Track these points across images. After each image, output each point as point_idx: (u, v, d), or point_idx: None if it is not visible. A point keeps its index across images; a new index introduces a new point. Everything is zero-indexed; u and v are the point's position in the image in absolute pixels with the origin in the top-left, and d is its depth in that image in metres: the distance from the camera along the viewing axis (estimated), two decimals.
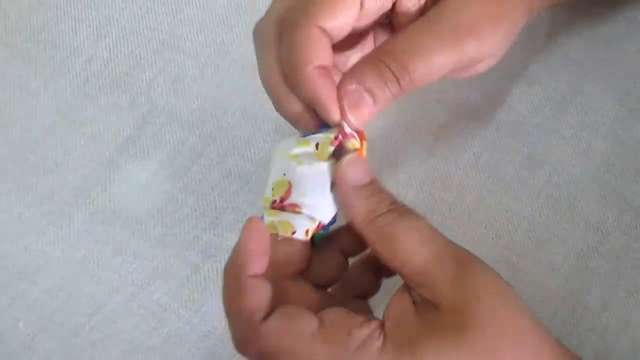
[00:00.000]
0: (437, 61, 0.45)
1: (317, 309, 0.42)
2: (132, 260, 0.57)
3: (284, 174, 0.45)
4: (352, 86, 0.45)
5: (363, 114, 0.45)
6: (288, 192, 0.45)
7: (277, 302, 0.42)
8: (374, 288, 0.48)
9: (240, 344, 0.42)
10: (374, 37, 0.52)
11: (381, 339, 0.41)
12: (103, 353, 0.55)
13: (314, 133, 0.45)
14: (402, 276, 0.43)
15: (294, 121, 0.47)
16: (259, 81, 0.61)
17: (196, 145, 0.61)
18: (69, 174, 0.61)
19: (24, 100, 0.64)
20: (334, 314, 0.42)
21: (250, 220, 0.42)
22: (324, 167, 0.44)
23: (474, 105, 0.59)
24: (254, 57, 0.62)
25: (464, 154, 0.58)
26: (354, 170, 0.44)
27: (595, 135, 0.58)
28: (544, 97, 0.60)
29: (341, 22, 0.46)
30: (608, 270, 0.54)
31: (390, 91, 0.45)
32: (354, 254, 0.47)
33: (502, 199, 0.57)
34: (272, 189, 0.45)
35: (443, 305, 0.41)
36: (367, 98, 0.45)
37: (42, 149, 0.62)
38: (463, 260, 0.42)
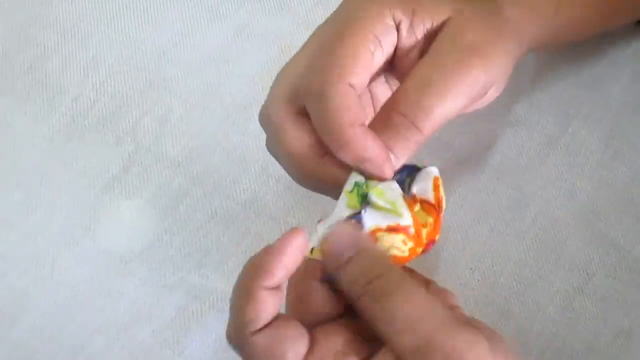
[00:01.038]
0: (451, 94, 0.45)
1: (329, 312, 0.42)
2: (115, 300, 0.57)
3: None
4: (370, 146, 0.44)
5: (387, 170, 0.45)
6: None
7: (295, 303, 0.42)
8: None
9: (230, 340, 0.41)
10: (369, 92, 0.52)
11: None
12: None
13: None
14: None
15: (329, 187, 0.46)
16: (246, 122, 0.62)
17: (182, 185, 0.61)
18: (53, 213, 0.61)
19: (9, 138, 0.64)
20: (330, 340, 0.41)
21: (293, 232, 0.41)
22: None
23: (459, 147, 0.60)
24: (241, 98, 0.63)
25: (449, 196, 0.58)
26: (332, 246, 0.42)
27: (580, 176, 0.58)
28: (529, 138, 0.60)
29: (363, 77, 0.46)
30: (593, 312, 0.54)
31: (411, 139, 0.45)
32: None
33: (488, 241, 0.57)
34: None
35: None
36: (387, 155, 0.45)
37: (26, 187, 0.62)
38: (453, 353, 0.38)
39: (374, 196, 0.44)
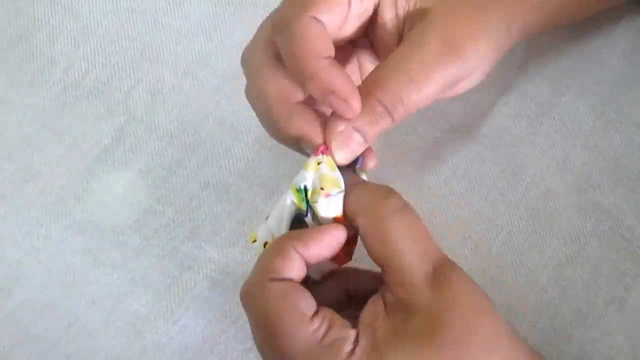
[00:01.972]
0: (427, 87, 0.46)
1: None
2: (109, 271, 0.57)
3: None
4: (341, 127, 0.45)
5: (352, 151, 0.46)
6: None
7: None
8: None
9: (243, 296, 0.44)
10: (358, 62, 0.52)
11: (352, 344, 0.41)
12: None
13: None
14: (384, 271, 0.43)
15: (298, 140, 0.47)
16: (237, 91, 0.61)
17: (174, 155, 0.60)
18: (46, 184, 0.60)
19: (1, 110, 0.63)
20: (328, 311, 0.43)
21: (339, 229, 0.45)
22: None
23: (452, 117, 0.60)
24: (233, 67, 0.63)
25: (442, 165, 0.58)
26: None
27: (573, 145, 0.58)
28: (523, 108, 0.60)
29: (334, 17, 0.46)
30: (586, 280, 0.54)
31: (381, 125, 0.46)
32: (358, 295, 0.47)
33: (481, 210, 0.57)
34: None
35: (415, 307, 0.41)
36: (357, 137, 0.46)
37: (19, 159, 0.61)
38: (443, 266, 0.43)
39: (317, 207, 0.45)
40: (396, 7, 0.49)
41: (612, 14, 0.61)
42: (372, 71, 0.47)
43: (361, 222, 0.44)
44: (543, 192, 0.57)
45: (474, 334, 0.41)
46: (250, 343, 0.54)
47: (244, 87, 0.49)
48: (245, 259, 0.57)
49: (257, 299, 0.43)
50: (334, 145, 0.45)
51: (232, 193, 0.59)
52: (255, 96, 0.48)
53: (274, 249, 0.44)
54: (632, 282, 0.54)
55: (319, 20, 0.45)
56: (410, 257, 0.42)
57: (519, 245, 0.55)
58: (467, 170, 0.58)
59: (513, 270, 0.55)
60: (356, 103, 0.44)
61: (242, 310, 0.54)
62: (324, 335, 0.42)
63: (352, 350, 0.41)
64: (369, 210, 0.44)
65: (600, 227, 0.56)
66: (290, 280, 0.43)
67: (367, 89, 0.46)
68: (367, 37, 0.51)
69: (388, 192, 0.45)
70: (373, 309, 0.43)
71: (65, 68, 0.64)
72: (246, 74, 0.49)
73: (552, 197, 0.57)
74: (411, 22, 0.48)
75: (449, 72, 0.46)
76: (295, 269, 0.43)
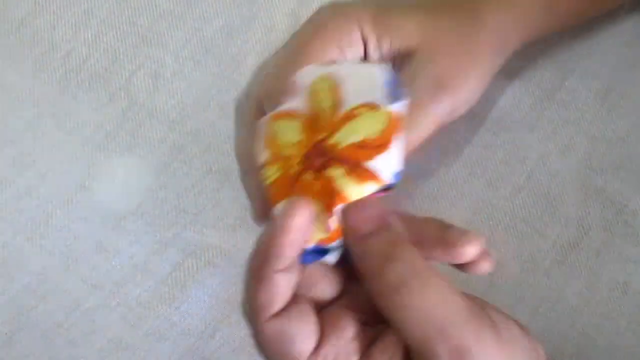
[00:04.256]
0: (422, 128, 0.47)
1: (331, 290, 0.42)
2: (111, 257, 0.57)
3: None
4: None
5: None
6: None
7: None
8: None
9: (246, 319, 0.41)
10: None
11: None
12: (81, 351, 0.55)
13: None
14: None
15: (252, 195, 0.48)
16: (239, 76, 0.61)
17: (176, 141, 0.60)
18: (47, 170, 0.60)
19: (1, 96, 0.63)
20: (338, 334, 0.40)
21: (294, 205, 0.39)
22: None
23: None
24: (234, 52, 0.63)
25: (445, 150, 0.58)
26: (357, 214, 0.40)
27: (576, 130, 0.58)
28: (526, 92, 0.59)
29: None
30: (589, 266, 0.54)
31: None
32: None
33: (484, 195, 0.57)
34: None
35: None
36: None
37: (20, 144, 0.61)
38: (461, 351, 0.38)
39: None
40: (380, 49, 0.49)
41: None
42: None
43: (372, 281, 0.39)
44: (546, 177, 0.57)
45: None
46: None
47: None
48: (248, 245, 0.56)
49: (256, 339, 0.40)
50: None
51: (234, 179, 0.59)
52: (237, 144, 0.50)
53: (254, 280, 0.40)
54: (636, 267, 0.54)
55: None
56: (420, 341, 0.37)
57: (522, 230, 0.55)
58: (470, 155, 0.58)
59: (516, 255, 0.55)
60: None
61: None
62: None
63: None
64: (379, 269, 0.39)
65: (603, 212, 0.55)
66: (282, 313, 0.39)
67: None
68: None
69: (403, 251, 0.39)
70: (384, 348, 0.40)
71: (66, 53, 0.64)
72: (234, 120, 0.51)
73: (555, 182, 0.57)
74: (400, 62, 0.49)
75: (442, 110, 0.47)
76: (283, 290, 0.39)
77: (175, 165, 0.60)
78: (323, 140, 0.42)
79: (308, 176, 0.42)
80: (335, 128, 0.42)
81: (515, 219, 0.56)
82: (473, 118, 0.59)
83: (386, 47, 0.49)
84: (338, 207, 0.41)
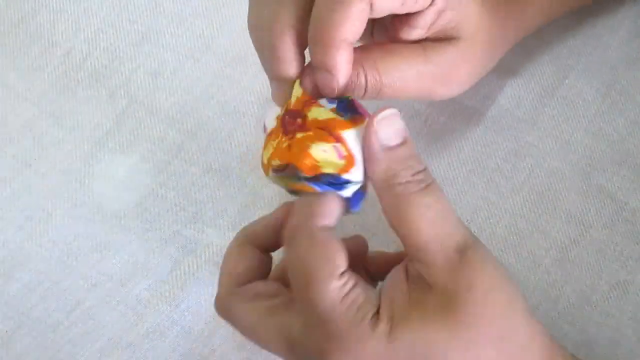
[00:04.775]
0: (404, 68, 0.46)
1: None
2: (111, 255, 0.57)
3: None
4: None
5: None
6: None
7: None
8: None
9: (289, 237, 0.43)
10: None
11: (374, 309, 0.41)
12: (81, 349, 0.55)
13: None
14: (405, 246, 0.43)
15: (286, 84, 0.45)
16: (239, 75, 0.61)
17: (176, 139, 0.60)
18: (47, 168, 0.60)
19: (1, 94, 0.63)
20: (354, 274, 0.42)
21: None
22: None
23: (455, 99, 0.59)
24: (234, 50, 0.63)
25: (445, 148, 0.58)
26: (388, 128, 0.43)
27: (577, 128, 0.58)
28: (526, 89, 0.59)
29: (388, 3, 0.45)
30: (590, 263, 0.54)
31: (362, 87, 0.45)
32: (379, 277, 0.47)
33: (484, 193, 0.57)
34: None
35: (434, 286, 0.41)
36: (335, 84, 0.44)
37: (20, 143, 0.61)
38: (466, 248, 0.42)
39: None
40: None
41: None
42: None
43: (380, 194, 0.43)
44: (547, 175, 0.57)
45: (488, 320, 0.41)
46: None
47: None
48: None
49: (298, 246, 0.42)
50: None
51: (234, 177, 0.59)
52: (272, 21, 0.45)
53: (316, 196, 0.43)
54: (636, 265, 0.54)
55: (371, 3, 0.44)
56: (430, 239, 0.41)
57: (523, 228, 0.55)
58: (471, 153, 0.58)
59: (516, 253, 0.55)
60: (342, 80, 0.44)
61: None
62: (347, 294, 0.41)
63: (369, 316, 0.41)
64: (388, 184, 0.42)
65: (604, 209, 0.55)
66: (332, 229, 0.43)
67: (357, 54, 0.45)
68: None
69: (410, 160, 0.43)
70: (394, 278, 0.43)
71: (66, 51, 0.64)
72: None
73: (556, 180, 0.56)
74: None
75: (432, 90, 0.49)
76: (335, 216, 0.43)
77: (175, 163, 0.59)
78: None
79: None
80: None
81: (515, 216, 0.56)
82: (473, 115, 0.59)
83: None
84: (347, 132, 0.42)
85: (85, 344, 0.55)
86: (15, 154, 0.61)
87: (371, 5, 0.43)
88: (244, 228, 0.47)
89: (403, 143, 0.43)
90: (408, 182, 0.42)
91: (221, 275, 0.46)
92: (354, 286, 0.41)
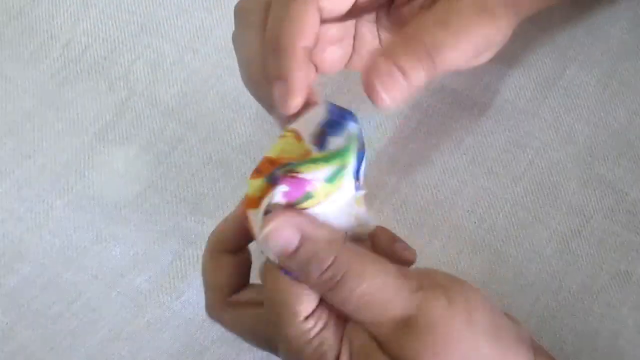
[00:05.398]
0: (463, 43, 0.45)
1: None
2: (112, 247, 0.57)
3: None
4: (385, 66, 0.44)
5: (398, 93, 0.44)
6: None
7: None
8: None
9: (261, 274, 0.43)
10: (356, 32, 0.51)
11: (335, 353, 0.41)
12: (82, 341, 0.55)
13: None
14: None
15: (272, 106, 0.45)
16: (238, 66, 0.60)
17: (176, 130, 0.60)
18: (47, 160, 0.60)
19: (1, 86, 0.63)
20: (324, 313, 0.42)
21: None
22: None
23: (456, 89, 0.59)
24: None
25: (446, 139, 0.58)
26: (275, 243, 0.41)
27: (578, 118, 0.58)
28: (527, 80, 0.59)
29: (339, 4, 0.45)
30: (590, 254, 0.54)
31: (424, 71, 0.44)
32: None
33: (484, 183, 0.56)
34: None
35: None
36: (401, 79, 0.44)
37: (19, 135, 0.61)
38: (405, 319, 0.40)
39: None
40: None
41: None
42: (412, 22, 0.46)
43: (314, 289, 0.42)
44: (547, 165, 0.57)
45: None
46: None
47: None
48: None
49: (266, 287, 0.42)
50: (378, 83, 0.43)
51: (234, 168, 0.59)
52: (243, 50, 0.47)
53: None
54: (637, 255, 0.53)
55: (319, 8, 0.44)
56: (367, 322, 0.41)
57: (523, 218, 0.55)
58: (471, 143, 0.58)
59: (517, 243, 0.54)
60: (290, 105, 0.43)
61: None
62: (313, 338, 0.41)
63: None
64: (308, 283, 0.41)
65: (604, 200, 0.55)
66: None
67: (412, 33, 0.45)
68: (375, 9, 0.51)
69: (310, 263, 0.40)
70: (355, 326, 0.42)
71: (65, 43, 0.64)
72: (236, 25, 0.48)
73: (557, 170, 0.56)
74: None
75: (483, 31, 0.45)
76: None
77: (175, 154, 0.59)
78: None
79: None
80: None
81: (516, 207, 0.56)
82: (474, 105, 0.59)
83: None
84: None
85: (85, 336, 0.55)
86: (15, 146, 0.61)
87: (320, 10, 0.43)
88: (211, 237, 0.47)
89: (299, 246, 0.40)
90: (317, 284, 0.41)
91: (205, 290, 0.46)
92: (321, 330, 0.41)
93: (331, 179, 0.41)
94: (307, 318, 0.41)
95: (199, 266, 0.55)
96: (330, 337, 0.41)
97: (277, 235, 0.40)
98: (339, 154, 0.41)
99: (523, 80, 0.59)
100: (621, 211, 0.55)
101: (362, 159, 0.43)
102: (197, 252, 0.56)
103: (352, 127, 0.42)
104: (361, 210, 0.43)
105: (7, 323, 0.55)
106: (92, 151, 0.60)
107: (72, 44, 0.64)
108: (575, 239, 0.54)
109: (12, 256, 0.57)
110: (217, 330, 0.54)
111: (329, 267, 0.40)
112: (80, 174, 0.59)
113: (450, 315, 0.40)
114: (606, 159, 0.56)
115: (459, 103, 0.59)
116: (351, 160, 0.41)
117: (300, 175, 0.40)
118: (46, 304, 0.56)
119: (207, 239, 0.56)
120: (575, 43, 0.60)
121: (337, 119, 0.43)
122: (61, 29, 0.64)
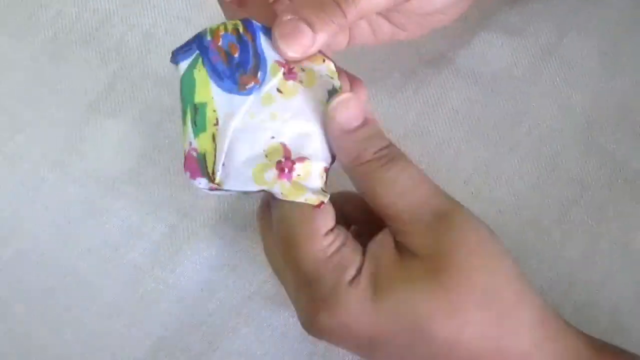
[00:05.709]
0: None
1: None
2: (105, 220, 0.56)
3: (272, 137, 0.44)
4: (287, 16, 0.44)
5: (299, 44, 0.44)
6: (287, 151, 0.43)
7: None
8: None
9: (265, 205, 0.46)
10: None
11: (356, 270, 0.42)
12: (77, 315, 0.54)
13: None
14: (383, 219, 0.43)
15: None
16: None
17: (169, 102, 0.59)
18: (39, 134, 0.59)
19: None
20: (343, 231, 0.43)
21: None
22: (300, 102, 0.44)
23: (452, 59, 0.59)
24: None
25: (442, 109, 0.57)
26: (344, 112, 0.43)
27: (575, 88, 0.57)
28: (524, 49, 0.59)
29: None
30: (589, 223, 0.54)
31: (334, 23, 0.44)
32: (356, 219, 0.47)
33: (482, 154, 0.56)
34: (266, 156, 0.43)
35: (418, 253, 0.41)
36: (304, 28, 0.43)
37: (11, 108, 0.60)
38: (443, 213, 0.42)
39: None
40: None
41: None
42: None
43: (350, 176, 0.44)
44: (545, 135, 0.56)
45: (472, 283, 0.41)
46: (250, 290, 0.53)
47: None
48: (243, 206, 0.56)
49: (281, 207, 0.43)
50: (278, 34, 0.44)
51: None
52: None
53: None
54: (636, 224, 0.53)
55: None
56: (403, 210, 0.42)
57: (521, 188, 0.55)
58: (468, 113, 0.57)
59: (515, 213, 0.54)
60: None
61: (241, 258, 0.54)
62: (333, 254, 0.42)
63: (355, 277, 0.41)
64: (353, 165, 0.43)
65: (603, 169, 0.55)
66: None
67: None
68: None
69: (371, 140, 0.43)
70: (382, 240, 0.43)
71: (55, 14, 0.63)
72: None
73: (555, 140, 0.56)
74: None
75: None
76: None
77: (169, 126, 0.59)
78: None
79: None
80: None
81: (514, 177, 0.55)
82: (470, 75, 0.58)
83: None
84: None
85: (81, 309, 0.54)
86: (6, 119, 0.60)
87: None
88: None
89: (363, 124, 0.43)
90: (370, 160, 0.43)
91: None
92: (340, 246, 0.42)
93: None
94: (326, 234, 0.42)
95: (194, 239, 0.55)
96: (349, 254, 0.42)
97: (347, 110, 0.43)
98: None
99: (520, 49, 0.59)
100: (620, 180, 0.55)
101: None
102: (192, 224, 0.56)
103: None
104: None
105: (0, 298, 0.55)
106: (84, 124, 0.59)
107: (63, 14, 0.63)
108: (574, 208, 0.54)
109: (5, 231, 0.57)
110: (212, 304, 0.54)
111: (386, 146, 0.43)
112: (73, 147, 0.59)
113: (483, 225, 0.43)
114: (605, 128, 0.56)
115: (455, 73, 0.58)
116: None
117: None
118: (40, 278, 0.55)
119: (202, 212, 0.56)
120: (572, 11, 0.60)
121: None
122: None
